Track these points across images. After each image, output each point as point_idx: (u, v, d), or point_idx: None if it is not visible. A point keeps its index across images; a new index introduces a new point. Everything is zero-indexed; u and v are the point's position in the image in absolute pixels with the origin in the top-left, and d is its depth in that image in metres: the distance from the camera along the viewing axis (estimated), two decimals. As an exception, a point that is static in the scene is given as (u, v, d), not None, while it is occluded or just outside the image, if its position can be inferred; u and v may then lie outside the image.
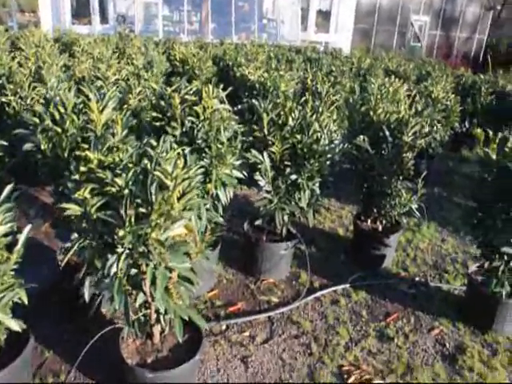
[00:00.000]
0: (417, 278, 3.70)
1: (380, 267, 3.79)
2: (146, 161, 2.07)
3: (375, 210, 3.77)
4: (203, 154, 2.83)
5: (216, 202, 3.04)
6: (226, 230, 4.08)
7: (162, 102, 2.86)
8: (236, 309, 3.19)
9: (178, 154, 2.31)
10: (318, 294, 3.37)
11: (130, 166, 2.07)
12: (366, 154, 3.48)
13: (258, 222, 3.39)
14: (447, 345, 3.00)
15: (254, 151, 3.02)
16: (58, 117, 2.56)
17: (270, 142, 3.04)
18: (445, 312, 3.30)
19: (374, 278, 3.63)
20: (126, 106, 3.22)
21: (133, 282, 2.05)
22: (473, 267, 3.32)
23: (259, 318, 3.09)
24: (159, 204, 1.84)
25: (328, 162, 3.18)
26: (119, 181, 1.93)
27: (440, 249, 4.19)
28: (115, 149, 2.53)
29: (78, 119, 2.59)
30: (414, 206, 3.65)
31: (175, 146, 2.75)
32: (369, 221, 3.83)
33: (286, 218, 3.30)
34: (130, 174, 1.95)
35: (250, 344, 2.87)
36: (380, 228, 3.79)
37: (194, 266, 2.25)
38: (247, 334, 2.97)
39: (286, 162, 3.12)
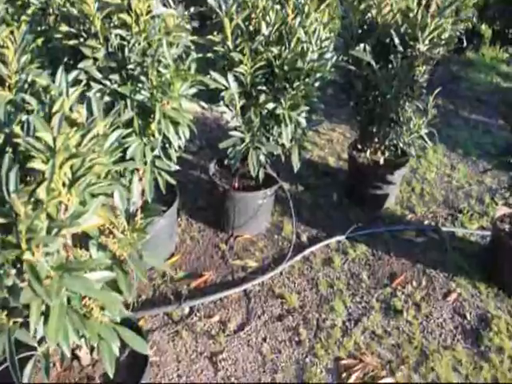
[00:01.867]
0: (426, 222, 2.98)
1: (381, 209, 3.05)
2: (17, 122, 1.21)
3: (376, 139, 2.96)
4: (139, 85, 1.94)
5: (167, 146, 2.21)
6: (190, 169, 3.26)
7: (74, 9, 1.90)
8: (202, 281, 2.46)
9: (82, 95, 1.45)
10: (307, 251, 2.64)
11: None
12: (366, 68, 2.59)
13: (227, 162, 2.57)
14: (468, 316, 2.35)
15: (214, 73, 2.12)
16: None
17: (236, 60, 2.13)
18: (462, 268, 2.62)
19: (375, 225, 2.91)
20: (23, 18, 2.23)
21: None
22: (500, 211, 2.60)
23: (232, 295, 2.38)
24: (25, 205, 1.01)
25: (317, 84, 2.31)
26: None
27: (450, 180, 3.44)
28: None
29: None
30: (424, 132, 2.84)
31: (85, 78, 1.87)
32: (368, 152, 3.03)
33: (262, 158, 2.48)
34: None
35: (220, 334, 2.18)
36: (382, 161, 3.00)
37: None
38: (217, 318, 2.27)
39: (259, 87, 2.23)
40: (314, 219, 2.92)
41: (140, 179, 2.24)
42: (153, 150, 2.21)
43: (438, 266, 2.62)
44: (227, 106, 2.22)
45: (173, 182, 2.31)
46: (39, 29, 2.10)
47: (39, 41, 2.04)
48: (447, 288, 2.50)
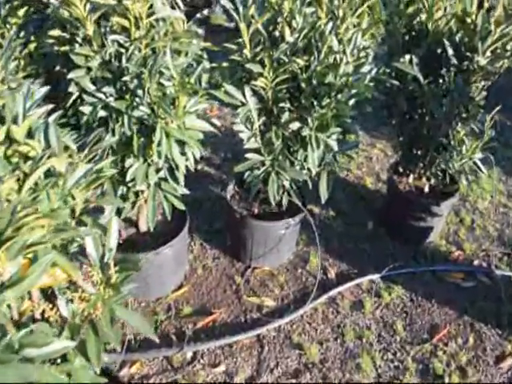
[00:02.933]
0: (476, 262, 2.55)
1: (423, 243, 2.64)
2: None
3: (421, 164, 2.55)
4: (137, 99, 1.64)
5: (174, 168, 1.90)
6: (210, 185, 2.95)
7: (65, 12, 1.62)
8: (210, 321, 2.14)
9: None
10: (334, 291, 2.28)
11: None
12: (412, 83, 2.20)
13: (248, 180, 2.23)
14: (527, 387, 1.93)
15: (228, 86, 1.80)
16: None
17: (255, 71, 1.80)
18: (520, 322, 2.20)
19: (415, 263, 2.50)
20: (14, 20, 1.97)
21: None
22: None
23: (243, 340, 2.05)
24: None
25: (352, 102, 1.94)
26: None
27: (507, 211, 2.97)
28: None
29: None
30: (478, 157, 2.41)
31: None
32: (411, 177, 2.63)
33: (286, 184, 2.14)
34: None
35: (222, 391, 1.86)
36: (426, 188, 2.59)
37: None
38: (222, 368, 1.94)
39: (282, 104, 1.88)
40: (345, 251, 2.54)
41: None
42: (158, 171, 1.92)
43: (490, 320, 2.19)
44: (244, 124, 1.89)
45: (181, 207, 2.01)
46: (34, 32, 1.84)
47: (32, 46, 1.78)
48: (501, 350, 2.07)
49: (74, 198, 1.29)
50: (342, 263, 2.47)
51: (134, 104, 1.64)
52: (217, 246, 2.52)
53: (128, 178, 1.81)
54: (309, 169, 2.04)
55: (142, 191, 2.00)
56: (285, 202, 2.20)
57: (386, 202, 2.85)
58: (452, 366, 1.98)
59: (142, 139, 1.76)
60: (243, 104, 1.83)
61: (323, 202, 2.05)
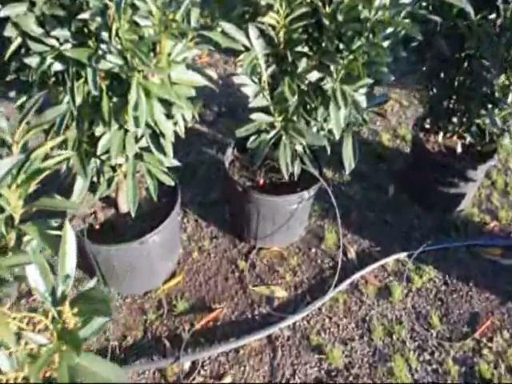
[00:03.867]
0: (516, 233, 2.18)
1: (454, 212, 2.26)
2: None
3: (454, 119, 2.12)
4: (102, 46, 1.17)
5: (159, 135, 1.46)
6: (203, 146, 2.48)
7: None
8: (211, 319, 1.77)
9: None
10: (356, 275, 1.90)
11: None
12: (456, 19, 1.73)
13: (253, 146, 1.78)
14: None
15: (227, 25, 1.32)
16: None
17: (262, 4, 1.32)
18: None
19: (446, 237, 2.12)
20: None
21: None
22: None
23: (251, 343, 1.68)
24: None
25: (387, 43, 1.48)
26: None
27: (544, 170, 2.58)
28: None
29: None
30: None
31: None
32: (440, 135, 2.20)
33: (299, 149, 1.70)
34: None
35: (230, 412, 1.50)
36: (459, 148, 2.17)
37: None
38: (228, 380, 1.58)
39: (298, 48, 1.41)
40: (364, 224, 2.14)
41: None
42: (138, 140, 1.47)
43: (539, 304, 1.85)
44: (248, 75, 1.43)
45: (170, 182, 1.59)
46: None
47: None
48: (556, 342, 1.74)
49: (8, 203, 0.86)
50: (363, 239, 2.07)
51: (100, 52, 1.16)
52: (214, 222, 2.10)
53: (99, 151, 1.36)
54: (330, 131, 1.61)
55: (120, 164, 1.56)
56: (297, 171, 1.77)
57: (409, 163, 2.43)
58: (501, 367, 1.64)
59: (115, 100, 1.30)
60: (247, 49, 1.36)
61: (348, 172, 1.63)
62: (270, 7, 1.31)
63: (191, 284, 1.87)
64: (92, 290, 0.79)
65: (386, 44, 1.49)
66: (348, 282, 1.87)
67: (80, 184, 1.51)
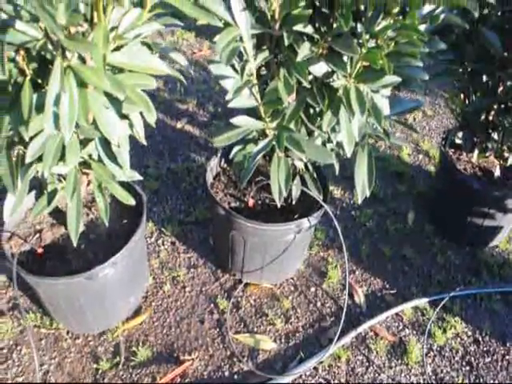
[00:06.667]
0: None
1: (486, 247, 1.81)
2: None
3: (495, 135, 1.68)
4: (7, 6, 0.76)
5: (112, 145, 1.05)
6: (193, 152, 2.06)
7: None
8: (179, 374, 1.34)
9: None
10: (364, 326, 1.46)
11: None
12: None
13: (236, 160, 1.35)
14: None
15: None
16: None
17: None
18: None
19: (477, 278, 1.67)
20: None
21: None
22: None
23: (222, 416, 1.26)
24: None
25: (423, 27, 1.06)
26: None
27: None
28: None
29: None
30: None
31: None
32: (475, 153, 1.76)
33: (299, 165, 1.29)
34: None
35: None
36: (497, 171, 1.72)
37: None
38: None
39: (298, 27, 0.99)
40: (377, 259, 1.70)
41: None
42: (85, 144, 1.07)
43: None
44: (230, 64, 1.01)
45: (129, 201, 1.18)
46: None
47: None
48: None
49: None
50: (374, 279, 1.63)
51: (3, 17, 0.76)
52: (195, 247, 1.67)
53: (28, 158, 0.96)
54: (339, 144, 1.18)
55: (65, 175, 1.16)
56: (296, 193, 1.35)
57: (433, 185, 1.97)
58: None
59: (44, 90, 0.90)
60: (227, 25, 0.94)
61: (360, 201, 1.20)
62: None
63: (158, 325, 1.45)
64: None
65: (422, 28, 1.07)
66: (353, 334, 1.42)
67: (11, 199, 1.11)
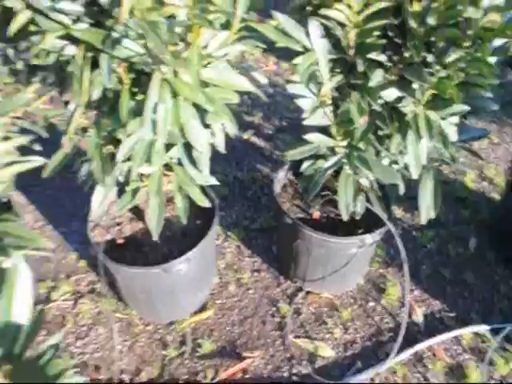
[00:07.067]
0: None
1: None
2: None
3: None
4: (119, 27, 0.90)
5: (193, 151, 1.17)
6: (258, 163, 2.16)
7: None
8: (240, 369, 1.42)
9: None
10: (421, 345, 1.46)
11: None
12: None
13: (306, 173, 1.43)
14: None
15: (282, 17, 1.00)
16: None
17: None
18: None
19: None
20: None
21: None
22: None
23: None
24: None
25: (494, 60, 1.09)
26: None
27: None
28: None
29: None
30: None
31: None
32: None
33: (364, 183, 1.34)
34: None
35: None
36: None
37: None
38: None
39: (372, 55, 1.06)
40: (437, 281, 1.69)
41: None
42: (169, 148, 1.19)
43: None
44: (306, 85, 1.10)
45: (205, 203, 1.29)
46: None
47: None
48: None
49: None
50: (434, 300, 1.63)
51: (114, 35, 0.90)
52: (258, 253, 1.77)
53: (119, 158, 1.09)
54: (406, 166, 1.23)
55: (150, 174, 1.29)
56: (360, 210, 1.40)
57: (497, 213, 1.94)
58: None
59: (140, 98, 1.03)
60: (306, 50, 1.03)
61: (424, 222, 1.23)
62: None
63: (222, 322, 1.55)
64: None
65: (492, 60, 1.10)
66: (411, 351, 1.44)
67: (100, 193, 1.26)
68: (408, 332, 1.49)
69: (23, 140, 1.02)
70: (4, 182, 0.62)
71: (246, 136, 2.31)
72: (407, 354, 1.43)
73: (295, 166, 1.59)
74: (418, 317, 1.56)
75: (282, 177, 1.60)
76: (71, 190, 1.90)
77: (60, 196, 1.96)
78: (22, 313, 0.54)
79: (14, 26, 0.92)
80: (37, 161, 0.68)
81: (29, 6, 0.90)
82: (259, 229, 1.84)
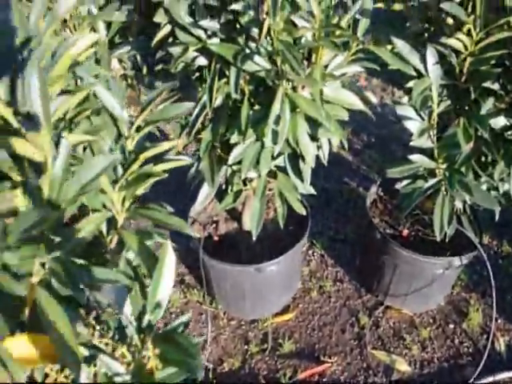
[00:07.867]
0: None
1: None
2: None
3: None
4: (251, 44, 0.98)
5: (300, 156, 1.24)
6: (344, 176, 2.18)
7: None
8: (318, 372, 1.47)
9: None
10: (503, 375, 1.42)
11: None
12: None
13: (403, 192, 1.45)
14: None
15: (399, 42, 1.04)
16: None
17: (449, 23, 1.01)
18: None
19: None
20: None
21: None
22: None
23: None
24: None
25: None
26: None
27: None
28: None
29: None
30: None
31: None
32: None
33: (458, 205, 1.34)
34: None
35: None
36: None
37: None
38: None
39: (485, 83, 1.07)
40: (524, 311, 1.65)
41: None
42: (275, 156, 1.27)
43: None
44: (415, 107, 1.13)
45: (302, 211, 1.35)
46: None
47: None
48: None
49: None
50: (519, 328, 1.59)
51: (247, 51, 0.98)
52: (341, 263, 1.80)
53: (231, 161, 1.18)
54: (505, 194, 1.22)
55: (251, 179, 1.37)
56: (450, 232, 1.40)
57: None
58: None
59: (256, 108, 1.11)
60: (419, 75, 1.07)
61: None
62: (459, 27, 1.01)
63: (303, 325, 1.60)
64: (180, 335, 0.56)
65: None
66: (491, 379, 1.41)
67: (205, 191, 1.35)
68: (488, 359, 1.46)
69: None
70: (158, 175, 0.71)
71: (334, 149, 2.35)
72: (487, 380, 1.40)
73: (385, 183, 1.62)
74: (501, 346, 1.52)
75: (372, 192, 1.62)
76: (169, 185, 2.04)
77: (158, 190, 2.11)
78: (164, 294, 0.62)
79: (156, 39, 1.03)
80: (185, 160, 0.77)
81: (171, 21, 1.01)
82: (343, 240, 1.88)
